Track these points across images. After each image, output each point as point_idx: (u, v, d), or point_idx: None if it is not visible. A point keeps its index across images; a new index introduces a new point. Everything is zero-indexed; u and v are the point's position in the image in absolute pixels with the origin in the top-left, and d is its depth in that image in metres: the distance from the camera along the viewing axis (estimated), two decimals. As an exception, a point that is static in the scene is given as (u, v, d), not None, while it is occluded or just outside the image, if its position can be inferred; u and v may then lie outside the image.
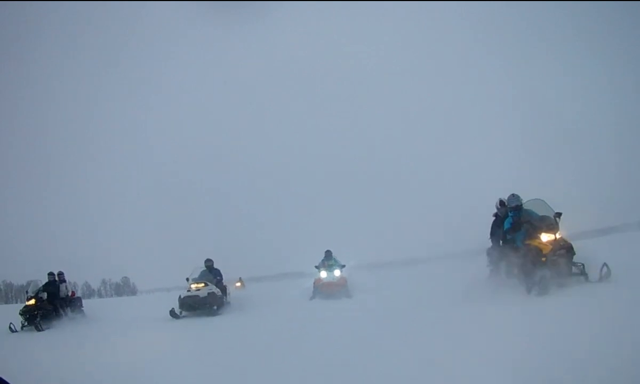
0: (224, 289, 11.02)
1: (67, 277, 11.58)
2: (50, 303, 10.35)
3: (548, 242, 6.26)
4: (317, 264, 12.42)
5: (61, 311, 10.57)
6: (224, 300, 10.95)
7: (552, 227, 6.42)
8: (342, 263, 12.31)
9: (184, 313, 10.00)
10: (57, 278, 10.98)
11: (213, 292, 10.22)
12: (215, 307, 10.07)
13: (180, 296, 10.08)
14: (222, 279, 11.11)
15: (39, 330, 9.51)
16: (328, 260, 12.37)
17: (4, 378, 1.83)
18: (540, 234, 6.42)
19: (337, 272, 11.96)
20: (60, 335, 8.86)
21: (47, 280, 10.79)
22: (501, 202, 7.52)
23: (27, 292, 10.62)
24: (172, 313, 9.77)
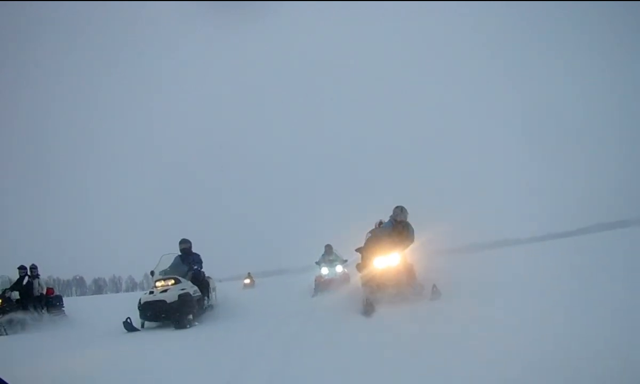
0: (204, 285, 7.98)
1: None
2: (21, 302, 9.34)
3: (382, 266, 6.55)
4: (317, 260, 11.61)
5: (35, 313, 9.57)
6: (205, 303, 7.90)
7: (389, 249, 6.60)
8: (344, 258, 11.27)
9: (145, 324, 7.26)
10: (29, 273, 9.84)
11: (186, 292, 7.17)
12: (189, 315, 7.05)
13: (139, 301, 7.22)
14: (200, 267, 7.95)
15: (3, 334, 8.51)
16: (329, 255, 11.46)
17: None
18: (374, 257, 6.65)
19: (338, 268, 11.06)
20: (23, 341, 7.84)
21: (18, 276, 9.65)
22: (380, 223, 7.29)
23: None
24: (127, 325, 7.03)
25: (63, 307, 10.56)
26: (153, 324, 7.30)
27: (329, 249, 11.62)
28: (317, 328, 5.61)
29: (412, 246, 6.83)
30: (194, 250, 8.01)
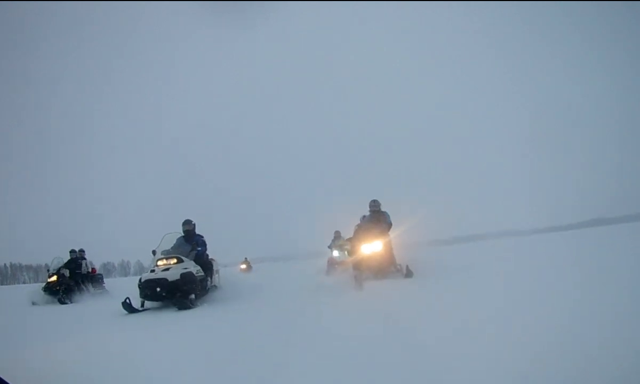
0: (208, 266, 7.67)
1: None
2: (72, 278, 10.83)
3: (368, 252, 7.97)
4: (329, 245, 12.91)
5: (83, 287, 11.07)
6: (208, 284, 7.59)
7: (372, 237, 8.02)
8: None
9: (146, 304, 6.95)
10: (78, 255, 11.42)
11: (189, 271, 6.86)
12: (192, 295, 6.79)
13: (140, 279, 6.95)
14: (205, 249, 7.70)
15: (62, 303, 10.01)
16: (338, 240, 12.55)
17: (4, 378, 1.84)
18: (361, 244, 8.10)
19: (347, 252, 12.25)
20: (80, 309, 9.18)
21: (69, 258, 11.25)
22: (363, 217, 8.58)
23: (48, 269, 11.11)
24: (126, 305, 6.72)
25: (104, 283, 12.13)
26: (154, 304, 6.99)
27: (337, 234, 12.76)
28: (318, 305, 6.09)
29: (396, 231, 8.28)
30: (197, 232, 7.85)
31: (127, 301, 6.76)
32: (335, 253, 12.25)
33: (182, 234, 7.62)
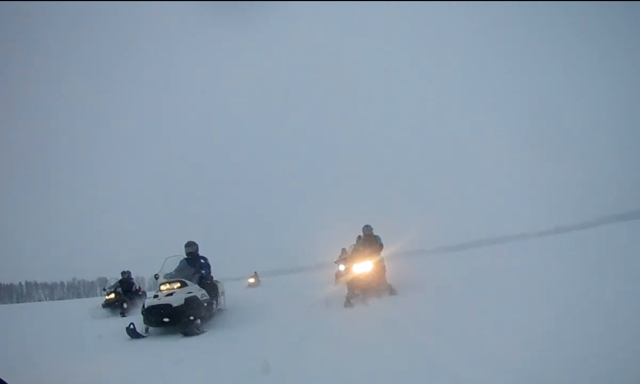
0: (213, 289, 7.71)
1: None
2: (125, 295, 13.07)
3: (359, 271, 8.72)
4: (335, 260, 15.02)
5: (133, 303, 13.29)
6: (213, 307, 7.61)
7: (364, 258, 8.77)
8: None
9: (150, 330, 6.97)
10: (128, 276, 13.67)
11: (193, 296, 6.83)
12: (197, 320, 6.76)
13: (143, 305, 7.02)
14: (208, 272, 7.70)
15: (123, 316, 12.19)
16: (344, 255, 14.26)
17: (4, 379, 1.97)
18: (353, 264, 8.85)
19: (353, 267, 14.34)
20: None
21: (121, 278, 13.51)
22: (359, 237, 9.55)
23: (104, 289, 13.37)
24: (130, 331, 6.76)
25: (147, 300, 14.35)
26: (158, 329, 6.96)
27: (344, 251, 14.57)
28: (320, 324, 6.79)
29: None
30: (201, 252, 7.81)
31: (132, 326, 6.79)
32: (342, 268, 14.31)
33: (185, 257, 7.63)
